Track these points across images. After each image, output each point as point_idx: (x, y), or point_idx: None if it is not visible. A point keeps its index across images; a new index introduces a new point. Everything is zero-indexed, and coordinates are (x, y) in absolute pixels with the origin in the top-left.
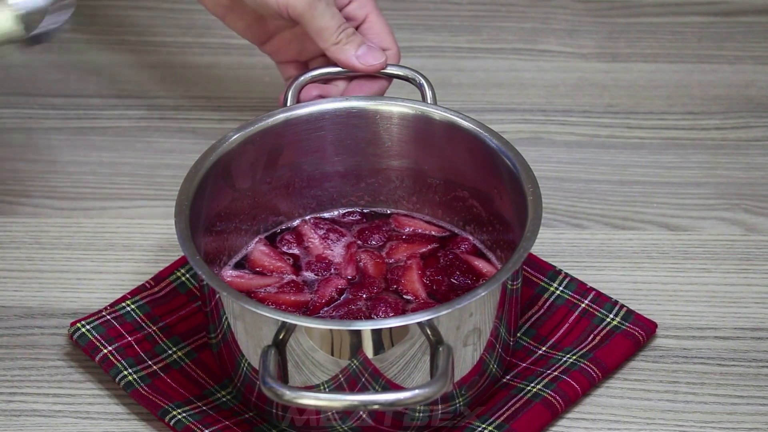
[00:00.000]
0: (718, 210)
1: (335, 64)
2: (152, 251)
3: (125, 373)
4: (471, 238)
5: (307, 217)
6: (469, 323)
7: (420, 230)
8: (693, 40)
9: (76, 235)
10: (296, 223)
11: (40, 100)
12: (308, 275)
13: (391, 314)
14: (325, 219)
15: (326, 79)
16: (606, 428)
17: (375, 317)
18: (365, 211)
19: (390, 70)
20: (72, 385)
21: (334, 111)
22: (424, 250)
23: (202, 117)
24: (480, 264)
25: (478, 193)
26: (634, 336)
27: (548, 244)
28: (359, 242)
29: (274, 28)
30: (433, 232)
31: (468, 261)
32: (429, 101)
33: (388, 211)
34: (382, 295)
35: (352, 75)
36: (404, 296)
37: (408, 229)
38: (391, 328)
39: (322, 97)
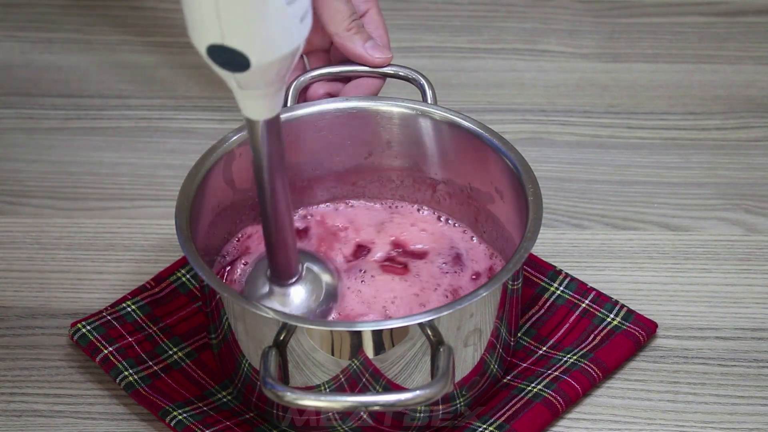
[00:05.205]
0: (718, 210)
1: (336, 64)
2: (153, 251)
3: (126, 373)
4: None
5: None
6: (470, 324)
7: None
8: (694, 40)
9: (76, 236)
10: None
11: (41, 100)
12: None
13: None
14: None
15: (329, 78)
16: (607, 428)
17: None
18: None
19: (390, 70)
20: (72, 385)
21: (334, 111)
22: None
23: (202, 117)
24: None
25: (479, 193)
26: (634, 336)
27: (549, 244)
28: None
29: None
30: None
31: None
32: (429, 101)
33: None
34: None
35: (352, 75)
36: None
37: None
38: (391, 329)
39: (330, 95)
